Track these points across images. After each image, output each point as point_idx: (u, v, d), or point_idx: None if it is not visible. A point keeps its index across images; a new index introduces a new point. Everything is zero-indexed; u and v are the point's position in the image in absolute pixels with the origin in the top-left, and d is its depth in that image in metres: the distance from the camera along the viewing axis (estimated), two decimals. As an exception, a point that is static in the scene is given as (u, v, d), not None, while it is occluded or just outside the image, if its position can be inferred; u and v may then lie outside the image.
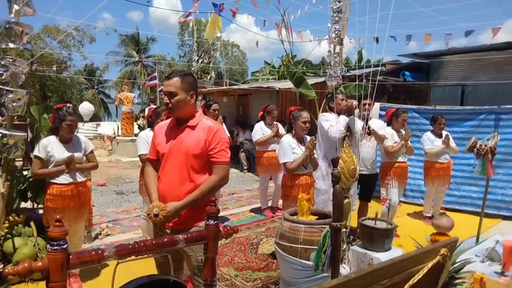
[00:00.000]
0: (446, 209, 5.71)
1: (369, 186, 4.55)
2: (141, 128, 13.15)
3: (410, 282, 0.93)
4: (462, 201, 5.85)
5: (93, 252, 1.50)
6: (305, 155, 3.58)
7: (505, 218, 5.44)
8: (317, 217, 2.82)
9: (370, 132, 4.32)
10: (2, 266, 3.34)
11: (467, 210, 5.63)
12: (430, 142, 5.12)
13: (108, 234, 4.62)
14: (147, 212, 2.04)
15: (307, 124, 3.67)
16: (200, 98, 15.35)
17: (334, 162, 1.61)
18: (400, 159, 4.64)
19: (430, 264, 0.99)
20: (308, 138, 3.69)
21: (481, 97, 8.39)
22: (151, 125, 4.02)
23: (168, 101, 2.13)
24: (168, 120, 2.33)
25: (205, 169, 2.17)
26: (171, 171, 2.16)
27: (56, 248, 1.38)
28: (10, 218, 3.47)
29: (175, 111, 2.16)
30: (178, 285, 1.73)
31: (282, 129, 5.66)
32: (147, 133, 3.87)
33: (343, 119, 3.78)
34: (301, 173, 3.65)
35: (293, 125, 3.70)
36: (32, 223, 3.46)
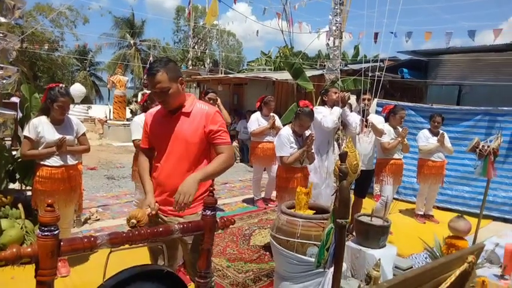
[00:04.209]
0: (438, 208, 5.75)
1: (365, 182, 4.51)
2: (133, 113, 12.94)
3: (438, 290, 0.87)
4: (454, 201, 5.87)
5: (86, 240, 1.42)
6: (302, 151, 3.53)
7: (495, 219, 5.48)
8: (314, 211, 2.76)
9: (368, 125, 4.27)
10: (-13, 248, 3.24)
11: (459, 210, 5.63)
12: (425, 139, 5.11)
13: (98, 219, 4.52)
14: (126, 219, 1.87)
15: (307, 128, 3.62)
16: (195, 85, 15.16)
17: (342, 157, 1.55)
18: (396, 156, 4.61)
19: (457, 272, 0.93)
20: (307, 133, 3.63)
21: (477, 97, 8.37)
22: (146, 109, 3.91)
23: (163, 99, 1.99)
24: (159, 107, 2.19)
25: (203, 156, 2.11)
26: (169, 160, 2.08)
27: (46, 233, 1.30)
28: (-3, 198, 3.37)
29: (172, 105, 2.04)
30: (171, 275, 1.67)
31: (278, 121, 5.59)
32: (142, 118, 3.76)
33: (337, 109, 3.84)
34: (297, 167, 3.61)
35: (297, 119, 3.55)
36: (19, 205, 3.35)
